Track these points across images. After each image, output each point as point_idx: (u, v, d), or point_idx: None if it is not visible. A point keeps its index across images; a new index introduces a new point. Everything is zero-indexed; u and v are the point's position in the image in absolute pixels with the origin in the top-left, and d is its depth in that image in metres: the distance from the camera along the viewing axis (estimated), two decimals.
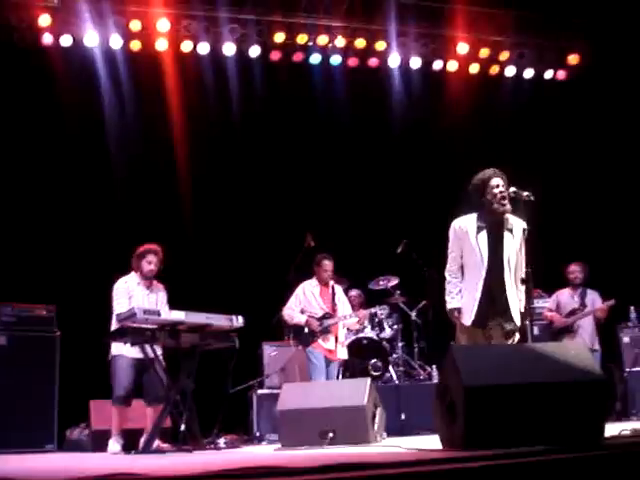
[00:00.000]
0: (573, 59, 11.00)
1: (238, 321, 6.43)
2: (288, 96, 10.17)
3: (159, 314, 6.13)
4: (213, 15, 9.61)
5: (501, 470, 3.18)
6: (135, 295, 6.72)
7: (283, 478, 3.01)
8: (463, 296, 5.29)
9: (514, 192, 5.19)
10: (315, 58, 10.34)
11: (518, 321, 5.18)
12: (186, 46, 9.73)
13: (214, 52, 9.94)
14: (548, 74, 11.11)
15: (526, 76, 11.08)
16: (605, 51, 10.85)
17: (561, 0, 10.25)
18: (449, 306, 5.39)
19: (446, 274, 5.44)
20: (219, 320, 6.35)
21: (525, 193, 5.16)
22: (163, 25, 9.44)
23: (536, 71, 11.04)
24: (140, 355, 6.40)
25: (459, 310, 5.31)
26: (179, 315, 6.16)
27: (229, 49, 9.94)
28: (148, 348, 6.29)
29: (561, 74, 11.12)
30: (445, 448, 4.24)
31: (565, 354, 4.23)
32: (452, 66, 10.73)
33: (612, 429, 4.79)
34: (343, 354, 7.93)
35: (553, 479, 3.27)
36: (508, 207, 5.21)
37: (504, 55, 10.80)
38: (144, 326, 6.13)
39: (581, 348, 4.41)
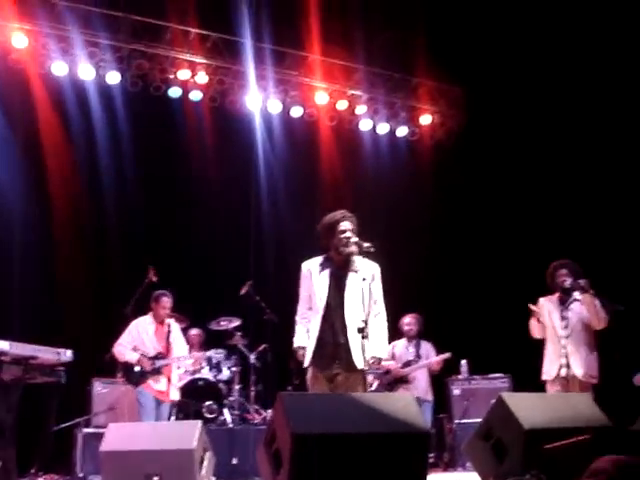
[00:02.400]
0: (425, 120, 11.48)
1: (66, 355, 6.08)
2: (145, 126, 9.99)
3: None
4: (69, 36, 9.34)
5: None
6: None
7: None
8: (308, 337, 5.26)
9: (356, 243, 5.25)
10: (174, 92, 10.24)
11: (361, 365, 5.10)
12: (43, 65, 9.41)
13: (72, 74, 9.66)
14: (401, 131, 11.52)
15: (380, 132, 11.45)
16: (455, 114, 11.47)
17: (408, 61, 10.73)
18: (294, 345, 5.35)
19: (296, 316, 5.43)
20: (46, 353, 5.97)
21: (366, 244, 5.23)
22: (19, 40, 9.08)
23: (390, 128, 11.44)
24: None
25: (304, 348, 5.27)
26: (3, 345, 5.73)
27: (87, 73, 9.70)
28: None
29: (413, 133, 11.55)
30: None
31: (392, 405, 4.30)
32: (311, 114, 10.94)
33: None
34: (175, 395, 7.69)
35: None
36: (354, 249, 5.25)
37: (361, 109, 11.13)
38: None
39: (408, 400, 4.48)
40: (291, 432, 3.91)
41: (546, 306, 6.88)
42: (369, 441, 4.08)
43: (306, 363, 5.25)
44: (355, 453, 4.03)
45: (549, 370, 6.76)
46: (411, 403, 4.44)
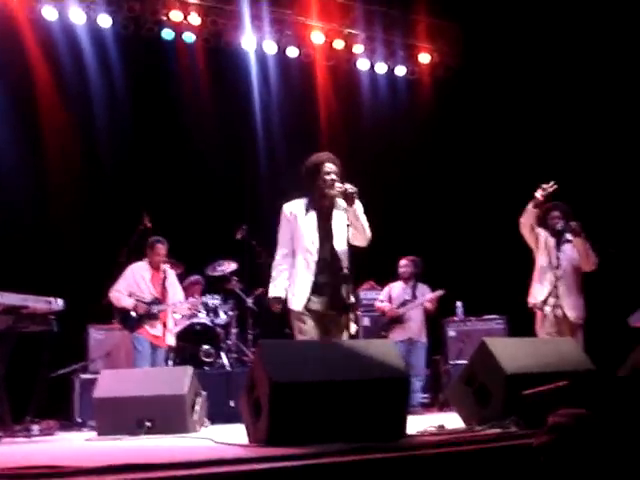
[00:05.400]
0: (424, 58, 11.27)
1: (57, 303, 6.14)
2: (139, 69, 9.88)
3: None
4: None
5: (298, 471, 3.19)
6: None
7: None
8: (294, 282, 5.18)
9: (340, 189, 5.19)
10: (167, 34, 10.08)
11: (349, 306, 5.13)
12: (32, 9, 9.30)
13: (63, 19, 9.51)
14: (400, 71, 11.33)
15: (379, 71, 11.26)
16: (453, 52, 11.25)
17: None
18: (270, 294, 5.26)
19: (274, 263, 5.34)
20: (36, 302, 6.04)
21: (350, 188, 5.15)
22: None
23: (388, 67, 11.24)
24: None
25: (279, 300, 5.21)
26: None
27: (77, 16, 9.56)
28: None
29: (412, 71, 11.36)
30: (250, 443, 4.21)
31: (372, 351, 4.30)
32: (307, 55, 10.77)
33: (424, 422, 4.95)
34: (171, 340, 7.78)
35: (352, 479, 3.32)
36: (337, 193, 5.19)
37: (358, 48, 10.94)
38: None
39: (388, 346, 4.48)
40: (269, 380, 3.93)
41: (544, 235, 6.81)
42: (348, 388, 4.09)
43: (299, 307, 5.13)
44: (334, 400, 4.04)
45: (536, 294, 6.73)
46: (391, 349, 4.44)
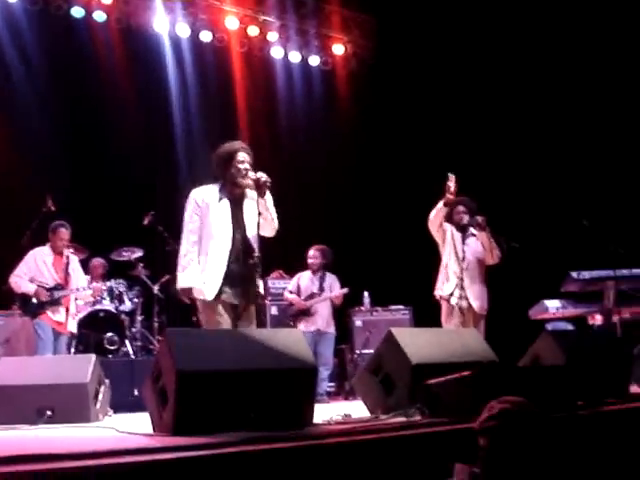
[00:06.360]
0: (337, 49, 11.32)
1: None
2: (52, 47, 9.59)
3: None
4: None
5: (204, 460, 3.16)
6: None
7: None
8: (205, 270, 5.09)
9: (253, 178, 5.16)
10: (77, 11, 9.79)
11: (259, 296, 5.12)
12: None
13: None
14: (313, 60, 11.35)
15: (292, 60, 11.26)
16: (367, 45, 11.34)
17: None
18: (182, 284, 5.13)
19: (181, 248, 5.20)
20: None
21: (263, 177, 5.13)
22: None
23: (302, 56, 11.25)
24: None
25: (190, 291, 5.12)
26: None
27: None
28: None
29: (326, 62, 11.39)
30: (155, 433, 4.15)
31: (280, 341, 4.30)
32: (220, 40, 10.66)
33: (330, 411, 4.98)
34: (73, 327, 7.58)
35: (258, 467, 3.31)
36: (250, 183, 5.16)
37: (272, 36, 10.90)
38: None
39: (297, 336, 4.49)
40: (176, 369, 3.88)
41: (450, 229, 6.93)
42: (255, 377, 4.08)
43: (210, 297, 5.07)
44: (241, 390, 4.03)
45: (443, 286, 6.85)
46: (299, 338, 4.45)
